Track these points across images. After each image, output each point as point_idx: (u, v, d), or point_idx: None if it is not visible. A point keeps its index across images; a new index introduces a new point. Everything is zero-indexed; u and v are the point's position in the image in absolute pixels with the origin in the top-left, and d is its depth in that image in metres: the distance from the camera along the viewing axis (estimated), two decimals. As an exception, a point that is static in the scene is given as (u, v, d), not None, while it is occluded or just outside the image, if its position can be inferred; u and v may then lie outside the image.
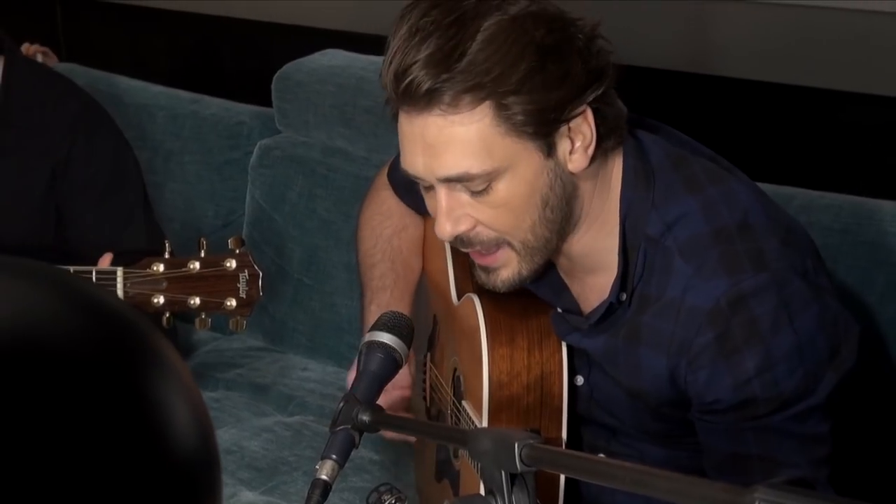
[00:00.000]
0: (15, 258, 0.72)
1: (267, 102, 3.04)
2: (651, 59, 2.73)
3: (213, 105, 3.13)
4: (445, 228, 1.63)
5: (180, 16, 3.73)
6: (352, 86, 2.87)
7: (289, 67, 3.00)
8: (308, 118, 2.95)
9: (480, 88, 1.54)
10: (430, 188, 1.64)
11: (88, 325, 0.68)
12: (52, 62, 3.29)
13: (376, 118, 2.80)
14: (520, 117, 1.55)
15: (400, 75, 1.56)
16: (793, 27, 2.67)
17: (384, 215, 2.11)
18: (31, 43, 3.32)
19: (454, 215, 1.62)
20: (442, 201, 1.62)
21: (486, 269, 1.68)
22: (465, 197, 1.61)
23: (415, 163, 1.61)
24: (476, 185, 1.59)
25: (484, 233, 1.63)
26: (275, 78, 3.00)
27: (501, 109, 1.55)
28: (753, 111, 2.76)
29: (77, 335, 0.67)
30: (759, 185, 1.77)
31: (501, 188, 1.59)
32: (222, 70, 3.70)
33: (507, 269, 1.66)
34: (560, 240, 1.66)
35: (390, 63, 1.57)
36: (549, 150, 1.58)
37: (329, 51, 3.02)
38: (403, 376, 1.99)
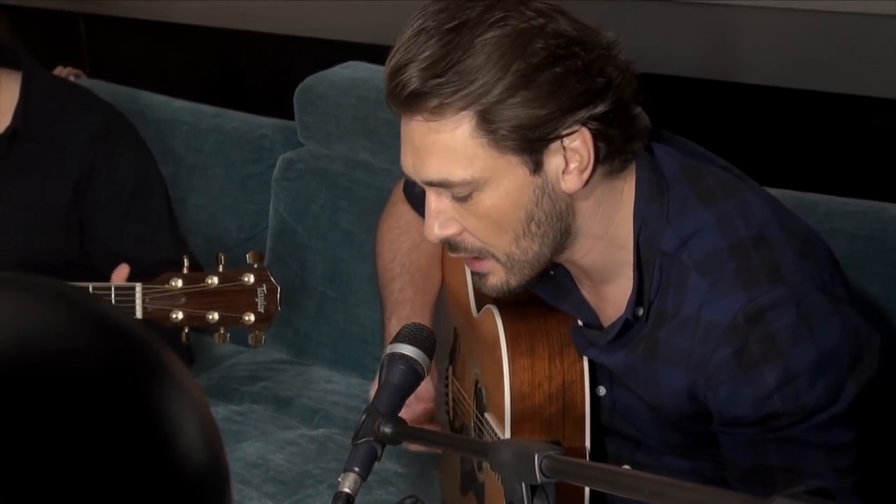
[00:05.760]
0: (22, 274, 0.72)
1: (289, 115, 3.05)
2: (672, 66, 2.72)
3: (236, 119, 3.13)
4: (433, 230, 1.63)
5: (202, 31, 3.75)
6: (373, 98, 2.87)
7: (311, 80, 3.00)
8: (330, 131, 2.95)
9: (463, 98, 1.54)
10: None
11: (96, 340, 0.68)
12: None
13: (398, 130, 2.79)
14: (502, 131, 1.54)
15: (393, 74, 1.57)
16: (813, 33, 2.66)
17: (402, 229, 2.11)
18: (63, 64, 3.34)
19: (441, 218, 1.63)
20: (430, 204, 1.63)
21: (477, 274, 1.69)
22: (450, 202, 1.61)
23: (406, 162, 1.63)
24: (458, 192, 1.59)
25: (469, 240, 1.63)
26: (297, 91, 3.00)
27: (483, 122, 1.54)
28: (774, 118, 2.75)
29: (85, 351, 0.67)
30: (782, 192, 1.76)
31: (483, 199, 1.59)
32: (244, 84, 3.71)
33: (495, 276, 1.66)
34: (556, 253, 1.65)
35: (390, 60, 1.58)
36: (536, 166, 1.57)
37: (351, 63, 3.02)
38: (427, 389, 1.98)
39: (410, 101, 1.56)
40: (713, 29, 2.82)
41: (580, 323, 1.77)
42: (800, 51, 2.70)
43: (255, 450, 2.55)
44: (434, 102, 1.55)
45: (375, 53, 3.03)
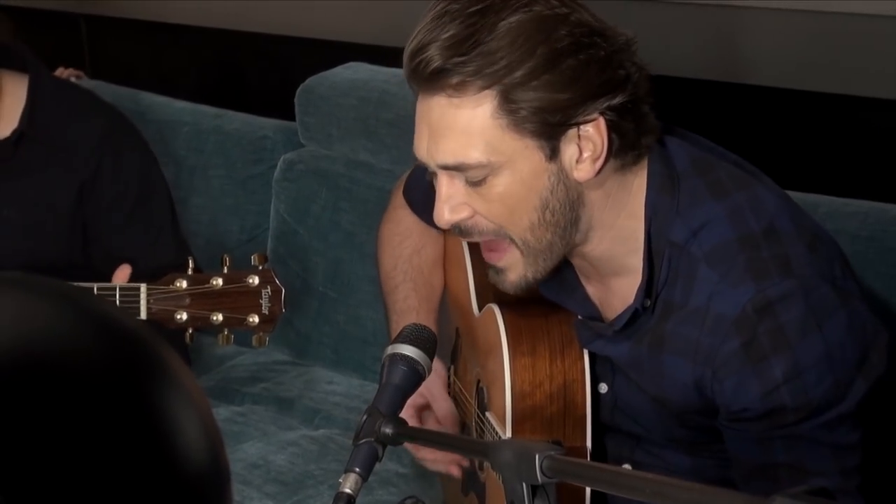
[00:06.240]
0: (26, 274, 0.72)
1: (290, 116, 3.05)
2: (672, 67, 2.72)
3: (237, 120, 3.14)
4: (443, 215, 1.63)
5: (203, 32, 3.75)
6: (374, 99, 2.88)
7: (311, 81, 3.00)
8: (331, 131, 2.96)
9: (487, 76, 1.54)
10: (435, 173, 1.65)
11: (98, 341, 0.68)
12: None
13: (399, 131, 2.80)
14: (522, 112, 1.55)
15: (415, 53, 1.57)
16: (814, 34, 2.66)
17: (402, 235, 2.11)
18: (64, 65, 3.35)
19: (452, 203, 1.63)
20: (441, 188, 1.63)
21: (496, 270, 1.69)
22: (463, 186, 1.61)
23: (420, 146, 1.63)
24: (473, 175, 1.59)
25: (482, 223, 1.63)
26: (298, 92, 3.01)
27: (505, 101, 1.55)
28: (775, 119, 2.74)
29: (87, 351, 0.68)
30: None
31: (498, 183, 1.59)
32: (245, 85, 3.71)
33: (514, 271, 1.66)
34: (567, 245, 1.65)
35: (411, 41, 1.59)
36: (553, 152, 1.58)
37: (352, 64, 3.03)
38: (447, 414, 2.00)
39: (433, 78, 1.56)
40: (713, 30, 2.82)
41: (581, 317, 1.77)
42: (801, 51, 2.70)
43: (256, 450, 2.56)
44: (457, 80, 1.55)
45: (376, 54, 3.05)
